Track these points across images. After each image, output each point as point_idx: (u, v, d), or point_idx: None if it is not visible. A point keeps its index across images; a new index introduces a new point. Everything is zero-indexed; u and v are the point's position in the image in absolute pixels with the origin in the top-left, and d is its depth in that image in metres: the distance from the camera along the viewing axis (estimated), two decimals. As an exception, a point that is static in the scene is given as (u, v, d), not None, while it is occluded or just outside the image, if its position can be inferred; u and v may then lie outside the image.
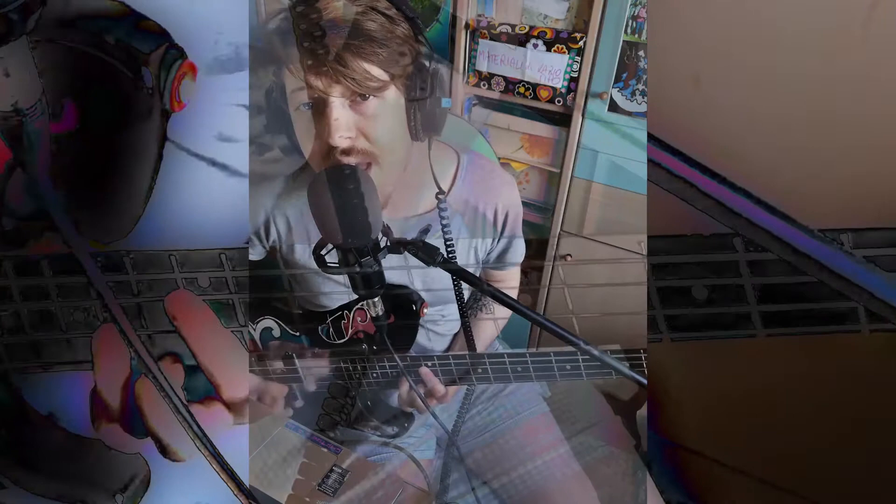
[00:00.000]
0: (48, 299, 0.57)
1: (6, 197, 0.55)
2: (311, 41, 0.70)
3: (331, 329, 0.80)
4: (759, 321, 0.55)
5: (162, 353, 0.59)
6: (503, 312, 0.99)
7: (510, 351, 0.79)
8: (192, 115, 0.60)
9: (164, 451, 0.59)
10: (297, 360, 0.82)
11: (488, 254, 0.92)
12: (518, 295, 1.00)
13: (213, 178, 0.62)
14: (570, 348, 0.72)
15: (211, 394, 0.60)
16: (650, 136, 0.49)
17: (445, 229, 0.82)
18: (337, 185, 0.63)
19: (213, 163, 0.60)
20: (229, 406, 0.60)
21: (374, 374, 0.81)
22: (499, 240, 0.91)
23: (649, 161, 0.48)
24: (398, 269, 0.82)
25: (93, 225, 0.55)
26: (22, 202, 0.55)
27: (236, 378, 0.59)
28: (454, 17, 1.45)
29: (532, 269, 1.17)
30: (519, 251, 0.94)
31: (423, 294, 0.81)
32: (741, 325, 0.56)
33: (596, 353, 0.63)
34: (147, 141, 0.57)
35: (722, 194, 0.46)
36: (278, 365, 0.81)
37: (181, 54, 0.56)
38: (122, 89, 0.55)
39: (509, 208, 0.89)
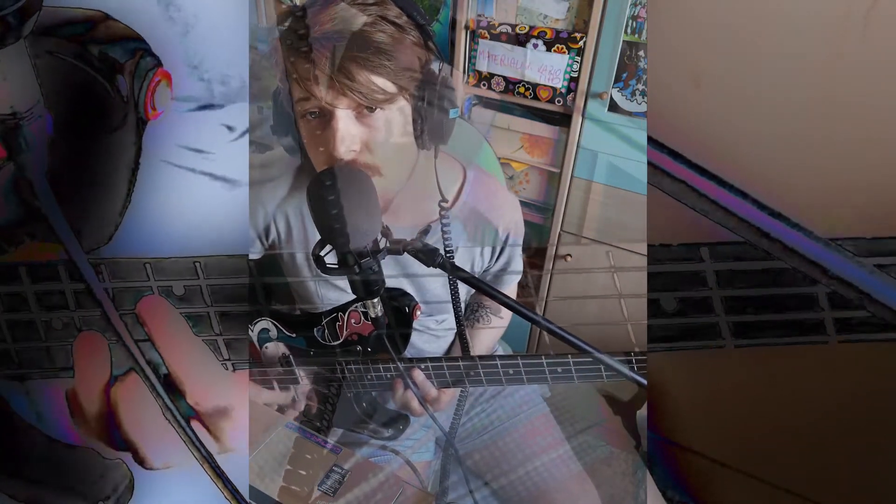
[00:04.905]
0: (27, 307, 0.57)
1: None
2: (297, 56, 0.69)
3: (326, 331, 0.80)
4: (729, 332, 0.55)
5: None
6: (500, 323, 1.00)
7: (501, 354, 0.79)
8: (176, 124, 0.59)
9: (140, 460, 0.59)
10: (293, 362, 0.82)
11: (485, 270, 0.92)
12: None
13: (202, 187, 0.62)
14: (561, 352, 0.73)
15: (191, 414, 0.59)
16: (650, 139, 0.49)
17: (446, 239, 0.82)
18: (314, 194, 0.63)
19: (195, 170, 0.60)
20: (207, 425, 0.60)
21: (369, 377, 0.81)
22: (497, 258, 0.91)
23: (649, 164, 0.48)
24: (395, 278, 0.82)
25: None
26: (1, 209, 0.55)
27: (203, 384, 0.59)
28: (454, 18, 1.45)
29: (532, 269, 1.17)
30: (517, 270, 0.95)
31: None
32: (710, 335, 0.55)
33: (596, 354, 0.63)
34: (123, 150, 0.56)
35: (721, 197, 0.46)
36: (276, 368, 0.82)
37: (156, 62, 0.56)
38: (97, 98, 0.54)
39: (511, 229, 0.90)
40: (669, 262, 0.54)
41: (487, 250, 0.90)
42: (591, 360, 0.71)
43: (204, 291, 0.57)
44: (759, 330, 0.55)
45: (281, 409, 0.84)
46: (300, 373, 0.82)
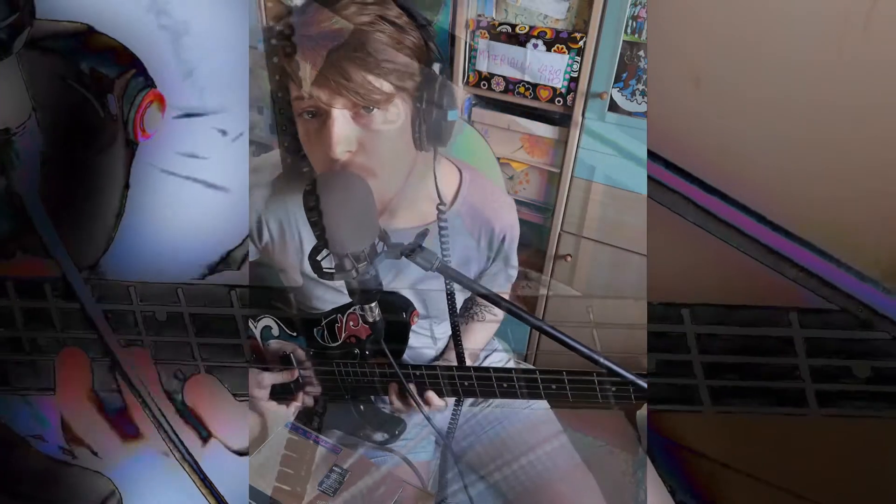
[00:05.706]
0: (13, 322, 0.56)
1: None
2: (282, 56, 0.68)
3: (325, 331, 0.80)
4: (708, 396, 0.53)
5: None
6: (494, 319, 1.00)
7: (496, 367, 0.79)
8: (168, 132, 0.59)
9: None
10: (294, 361, 0.82)
11: (481, 273, 0.92)
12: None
13: (190, 195, 0.61)
14: (556, 368, 0.73)
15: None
16: (650, 153, 0.48)
17: (444, 242, 0.82)
18: (310, 199, 0.63)
19: (190, 178, 0.60)
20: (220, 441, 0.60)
21: (366, 380, 0.81)
22: (493, 261, 0.91)
23: (649, 178, 0.48)
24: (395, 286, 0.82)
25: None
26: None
27: (229, 427, 0.59)
28: (454, 18, 1.45)
29: (532, 270, 1.17)
30: (510, 277, 0.95)
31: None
32: (689, 398, 0.54)
33: (595, 355, 0.63)
34: (113, 168, 0.56)
35: (719, 209, 0.45)
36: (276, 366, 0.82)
37: (148, 83, 0.55)
38: (87, 116, 0.54)
39: (506, 231, 0.90)
40: (649, 322, 0.52)
41: (484, 252, 0.90)
42: (585, 377, 0.71)
43: (186, 318, 0.57)
44: (739, 397, 0.54)
45: (288, 388, 0.83)
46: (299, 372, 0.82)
